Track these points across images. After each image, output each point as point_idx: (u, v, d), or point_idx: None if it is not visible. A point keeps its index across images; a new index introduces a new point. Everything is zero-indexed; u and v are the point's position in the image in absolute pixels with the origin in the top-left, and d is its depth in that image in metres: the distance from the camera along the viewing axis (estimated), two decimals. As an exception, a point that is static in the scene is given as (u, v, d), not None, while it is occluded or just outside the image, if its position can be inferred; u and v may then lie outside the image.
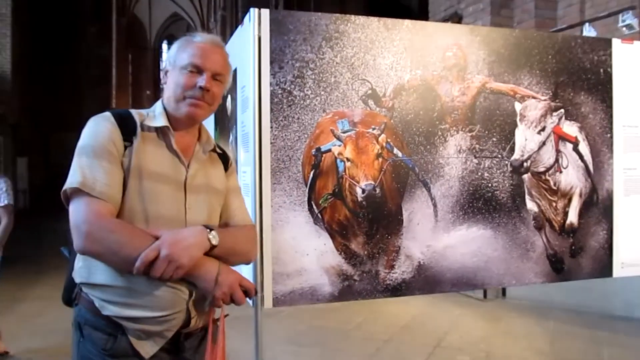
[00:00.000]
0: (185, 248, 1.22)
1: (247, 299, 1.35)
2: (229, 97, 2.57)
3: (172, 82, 1.37)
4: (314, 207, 2.23)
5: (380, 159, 2.26)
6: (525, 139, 2.50)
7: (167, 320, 1.30)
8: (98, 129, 1.30)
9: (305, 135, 2.20)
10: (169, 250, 1.20)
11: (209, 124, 2.83)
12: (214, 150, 1.47)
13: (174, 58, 1.38)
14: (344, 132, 2.23)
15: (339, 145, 2.22)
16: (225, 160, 1.53)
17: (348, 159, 2.22)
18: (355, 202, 2.25)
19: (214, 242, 1.29)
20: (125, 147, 1.30)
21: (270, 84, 2.13)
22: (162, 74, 1.42)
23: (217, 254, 1.31)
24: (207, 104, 1.37)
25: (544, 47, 2.53)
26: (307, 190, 2.21)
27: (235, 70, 2.43)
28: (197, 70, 1.35)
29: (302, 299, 2.20)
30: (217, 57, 1.37)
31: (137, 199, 1.28)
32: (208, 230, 1.29)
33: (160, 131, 1.36)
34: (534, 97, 2.52)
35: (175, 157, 1.36)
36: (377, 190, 2.23)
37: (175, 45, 1.40)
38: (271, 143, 2.15)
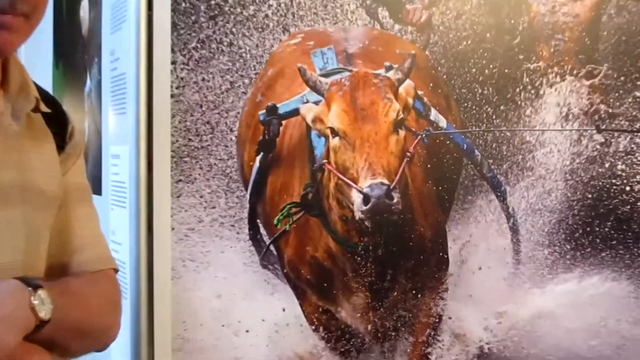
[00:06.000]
0: None
1: None
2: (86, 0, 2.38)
3: None
4: (262, 231, 1.99)
5: (402, 132, 1.82)
6: None
7: None
8: None
9: (246, 81, 2.00)
10: None
11: (40, 53, 2.67)
12: (36, 109, 1.27)
13: None
14: (326, 75, 1.88)
15: (317, 103, 1.85)
16: (59, 127, 1.33)
17: (335, 132, 1.79)
18: (348, 220, 1.82)
19: (44, 314, 1.11)
20: None
21: (171, -30, 1.92)
22: None
23: (49, 337, 1.12)
24: (21, 20, 1.15)
25: None
26: (247, 195, 1.98)
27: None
28: None
29: None
30: None
31: None
32: (30, 288, 1.11)
33: None
34: None
35: None
36: (395, 197, 1.76)
37: None
38: (172, 96, 1.90)
